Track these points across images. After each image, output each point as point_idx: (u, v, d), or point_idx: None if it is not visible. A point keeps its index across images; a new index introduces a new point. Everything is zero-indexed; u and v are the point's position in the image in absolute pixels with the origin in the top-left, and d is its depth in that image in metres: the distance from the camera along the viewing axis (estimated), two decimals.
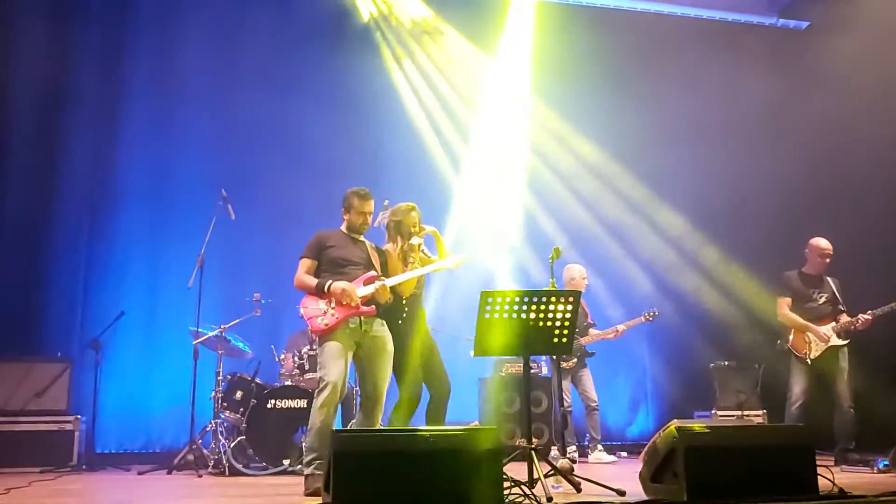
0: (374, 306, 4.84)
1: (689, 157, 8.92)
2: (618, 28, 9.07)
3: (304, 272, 4.91)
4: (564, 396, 7.15)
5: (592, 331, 7.38)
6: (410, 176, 8.08)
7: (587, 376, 7.30)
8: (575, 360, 7.24)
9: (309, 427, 4.70)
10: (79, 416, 6.81)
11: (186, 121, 7.93)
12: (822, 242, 6.57)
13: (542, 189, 8.80)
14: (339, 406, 6.62)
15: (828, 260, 6.53)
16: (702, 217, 8.93)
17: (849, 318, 6.35)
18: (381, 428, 4.95)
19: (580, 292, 4.40)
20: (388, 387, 4.93)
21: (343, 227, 5.07)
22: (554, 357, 7.04)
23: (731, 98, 8.84)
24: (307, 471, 4.59)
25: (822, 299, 6.49)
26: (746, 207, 8.85)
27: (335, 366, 4.67)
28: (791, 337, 6.50)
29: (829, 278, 6.57)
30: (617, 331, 7.33)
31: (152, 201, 7.82)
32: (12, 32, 7.57)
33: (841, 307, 6.45)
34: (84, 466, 6.65)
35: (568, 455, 7.02)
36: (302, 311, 4.85)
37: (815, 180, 8.46)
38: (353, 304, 4.73)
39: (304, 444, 4.76)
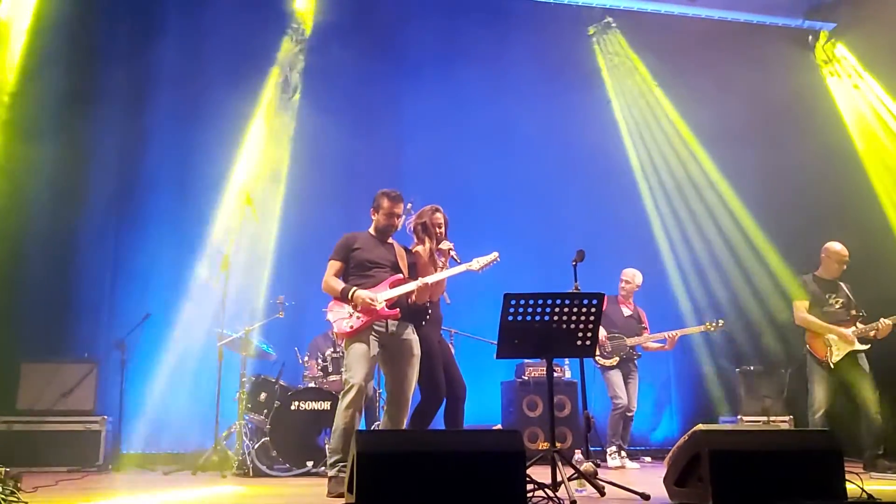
0: (398, 309, 4.84)
1: (717, 160, 8.83)
2: (645, 31, 9.03)
3: (331, 275, 4.92)
4: (618, 393, 7.10)
5: (646, 334, 7.32)
6: (436, 178, 8.07)
7: (634, 383, 7.23)
8: (617, 359, 7.19)
9: (333, 428, 4.70)
10: (105, 417, 6.88)
11: (212, 124, 7.99)
12: (839, 247, 6.49)
13: (564, 192, 8.75)
14: (364, 408, 6.67)
15: (845, 265, 6.46)
16: (728, 220, 8.84)
17: (864, 326, 6.25)
18: (405, 429, 4.96)
19: (604, 294, 4.36)
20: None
21: (371, 229, 5.08)
22: (596, 358, 7.03)
23: (758, 100, 8.75)
24: (331, 472, 4.59)
25: (839, 304, 6.39)
26: (773, 210, 8.74)
27: (361, 368, 4.67)
28: (810, 341, 6.39)
29: (842, 283, 6.49)
30: (667, 337, 7.16)
31: (178, 204, 7.88)
32: (38, 30, 7.66)
33: (856, 312, 6.34)
34: (110, 466, 6.73)
35: (621, 458, 7.00)
36: (328, 314, 4.87)
37: (841, 183, 8.37)
38: (377, 309, 4.74)
39: (328, 445, 4.76)
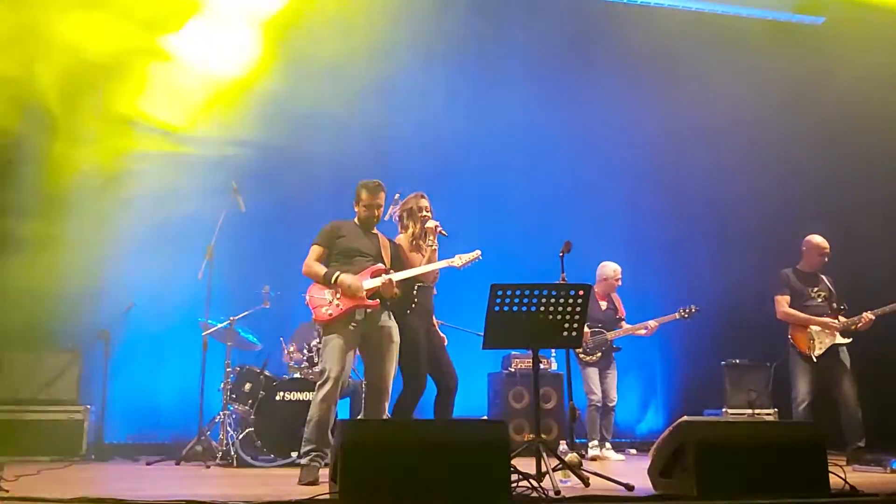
0: (378, 300, 4.84)
1: (704, 155, 8.82)
2: (634, 24, 9.01)
3: (313, 259, 4.93)
4: (593, 389, 7.10)
5: (625, 325, 7.31)
6: (422, 168, 8.03)
7: (612, 374, 7.23)
8: (600, 353, 7.18)
9: (308, 419, 4.75)
10: (88, 406, 6.85)
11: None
12: (819, 240, 6.55)
13: (558, 185, 8.73)
14: (349, 399, 6.66)
15: (826, 258, 6.50)
16: (716, 214, 8.86)
17: (846, 319, 6.29)
18: (390, 419, 4.95)
19: (590, 286, 4.36)
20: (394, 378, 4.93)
21: (355, 219, 5.09)
22: (578, 351, 7.02)
23: (748, 94, 8.76)
24: (303, 461, 4.68)
25: (820, 298, 6.45)
26: (761, 204, 8.76)
27: (338, 361, 4.70)
28: (792, 335, 6.44)
29: (823, 276, 6.53)
30: (647, 326, 7.16)
31: (162, 191, 7.80)
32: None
33: (837, 305, 6.39)
34: (93, 456, 6.71)
35: (603, 451, 7.01)
36: (307, 298, 4.88)
37: (830, 178, 8.40)
38: (358, 297, 4.74)
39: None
